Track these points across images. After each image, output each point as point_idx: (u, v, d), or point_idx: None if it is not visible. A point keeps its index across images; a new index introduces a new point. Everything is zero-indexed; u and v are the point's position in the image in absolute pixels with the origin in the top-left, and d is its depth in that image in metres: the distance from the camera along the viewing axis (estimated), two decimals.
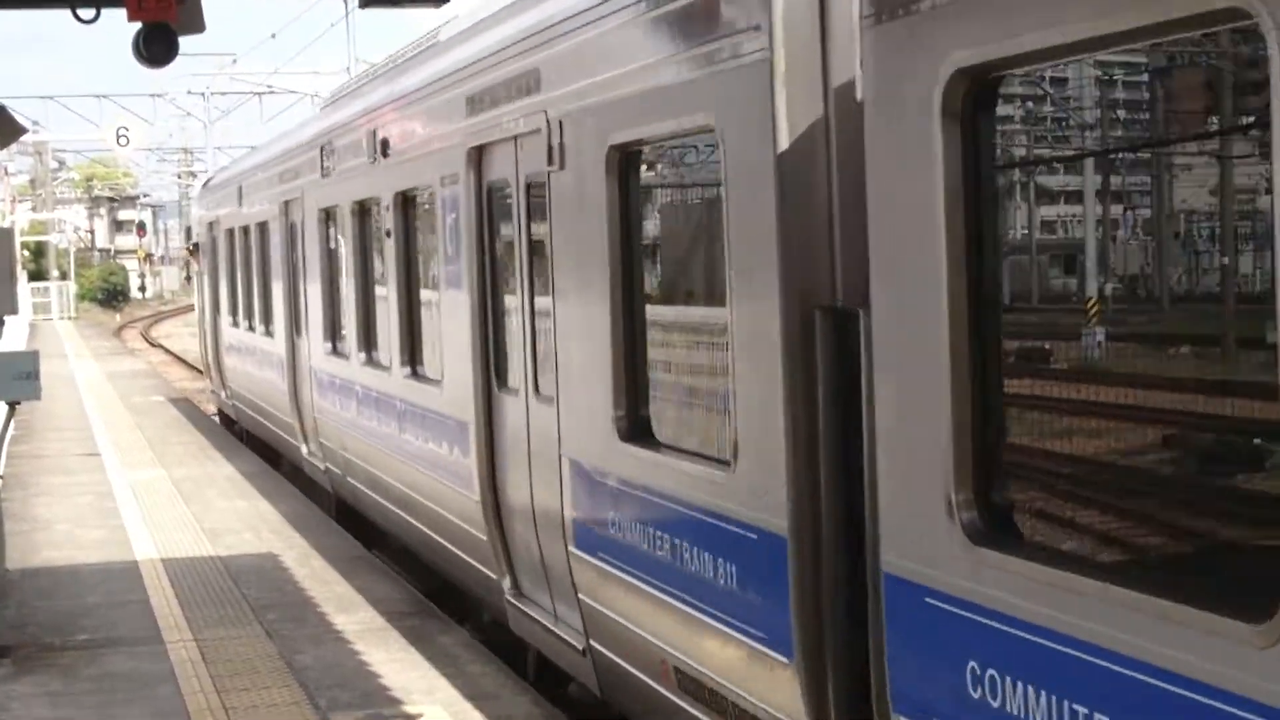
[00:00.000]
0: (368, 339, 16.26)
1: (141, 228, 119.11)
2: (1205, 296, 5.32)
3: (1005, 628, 5.57)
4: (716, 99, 7.61)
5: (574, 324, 9.82)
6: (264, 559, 15.74)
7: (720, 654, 7.98)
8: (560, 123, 9.89)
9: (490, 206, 11.87)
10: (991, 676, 5.62)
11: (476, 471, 12.01)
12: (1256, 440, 5.00)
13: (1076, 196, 5.81)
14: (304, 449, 20.31)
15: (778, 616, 7.25)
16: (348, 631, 12.71)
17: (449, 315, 12.76)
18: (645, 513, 8.79)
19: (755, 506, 7.42)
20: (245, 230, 24.94)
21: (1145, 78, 5.44)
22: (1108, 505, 5.69)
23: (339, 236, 17.62)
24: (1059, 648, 5.29)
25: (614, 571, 9.32)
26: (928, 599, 5.93)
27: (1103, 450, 5.77)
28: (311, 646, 12.24)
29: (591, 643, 9.95)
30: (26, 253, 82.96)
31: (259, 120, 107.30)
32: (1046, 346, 6.02)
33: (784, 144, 7.06)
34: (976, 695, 5.69)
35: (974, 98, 5.67)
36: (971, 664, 5.71)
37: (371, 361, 16.07)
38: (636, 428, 9.04)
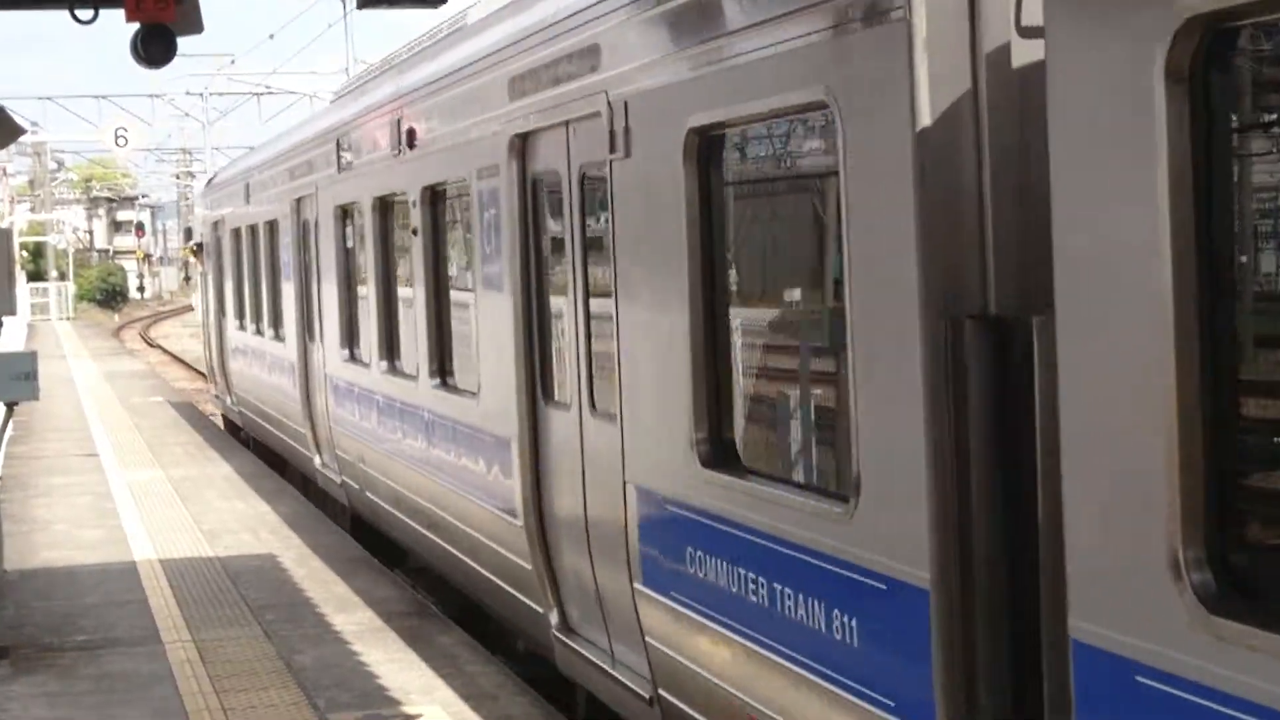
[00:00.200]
0: (390, 345, 15.08)
1: (140, 228, 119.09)
2: None
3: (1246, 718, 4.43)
4: (833, 70, 6.46)
5: (642, 332, 8.67)
6: (262, 559, 15.68)
7: (831, 719, 6.83)
8: (625, 104, 8.74)
9: (535, 200, 10.73)
10: None
11: (520, 494, 10.86)
12: None
13: None
14: (317, 460, 19.16)
15: (913, 683, 6.09)
16: (346, 632, 12.65)
17: (487, 321, 11.61)
18: (733, 551, 7.63)
19: (884, 550, 6.26)
20: (253, 229, 23.82)
21: None
22: None
23: (357, 235, 16.44)
24: None
25: (692, 614, 8.16)
26: (1139, 678, 4.77)
27: None
28: (310, 647, 12.19)
29: (661, 692, 8.78)
30: (25, 253, 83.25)
31: (257, 121, 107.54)
32: None
33: (925, 121, 5.90)
34: None
35: (1207, 53, 4.53)
36: None
37: (395, 369, 14.90)
38: (721, 452, 7.89)
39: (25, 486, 21.31)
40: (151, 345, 64.06)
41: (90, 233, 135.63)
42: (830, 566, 6.66)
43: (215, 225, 28.65)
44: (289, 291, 20.47)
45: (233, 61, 70.72)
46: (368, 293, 15.71)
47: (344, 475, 17.51)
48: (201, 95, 71.95)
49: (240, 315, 25.73)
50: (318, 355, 18.78)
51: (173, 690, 11.08)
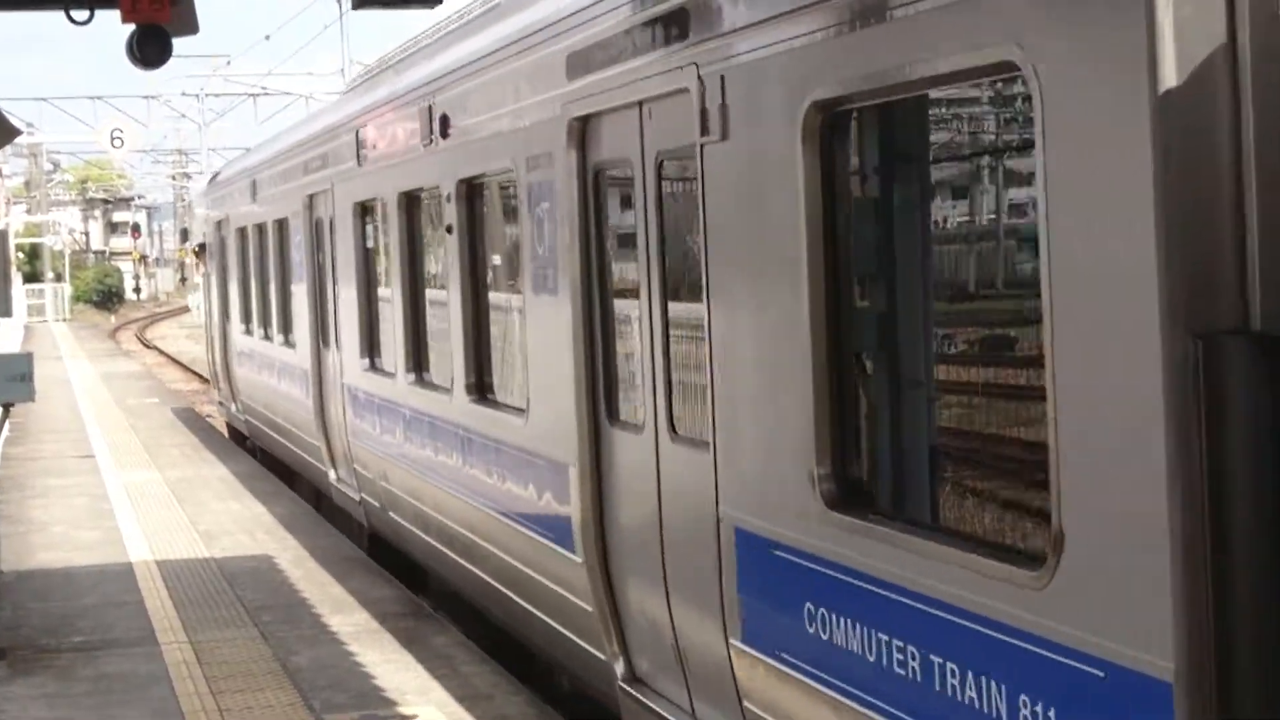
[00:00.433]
0: (419, 354, 13.75)
1: (136, 229, 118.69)
2: None
3: None
4: (1029, 22, 5.15)
5: (745, 345, 7.35)
6: (258, 560, 15.67)
7: None
8: (721, 79, 7.43)
9: (598, 191, 9.42)
10: None
11: (579, 527, 9.54)
12: None
13: None
14: (332, 475, 17.84)
15: None
16: (342, 633, 12.65)
17: (538, 330, 10.29)
18: (872, 613, 6.31)
19: (1100, 630, 4.94)
20: (260, 228, 22.51)
21: None
22: None
23: (379, 234, 15.09)
24: None
25: (812, 683, 6.83)
26: None
27: None
28: (306, 648, 12.20)
29: None
30: (21, 255, 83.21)
31: (254, 122, 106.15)
32: None
33: (1170, 81, 4.60)
34: None
35: None
36: None
37: (424, 381, 13.57)
38: (851, 491, 6.58)
39: (22, 488, 21.34)
40: (148, 346, 63.48)
41: (86, 234, 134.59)
42: (1019, 642, 5.35)
43: (219, 225, 27.35)
44: (300, 294, 19.16)
45: (229, 62, 71.25)
46: (392, 296, 14.38)
47: (363, 493, 16.19)
48: (197, 96, 72.29)
49: (246, 319, 24.42)
50: (333, 363, 17.47)
51: (169, 691, 11.12)
